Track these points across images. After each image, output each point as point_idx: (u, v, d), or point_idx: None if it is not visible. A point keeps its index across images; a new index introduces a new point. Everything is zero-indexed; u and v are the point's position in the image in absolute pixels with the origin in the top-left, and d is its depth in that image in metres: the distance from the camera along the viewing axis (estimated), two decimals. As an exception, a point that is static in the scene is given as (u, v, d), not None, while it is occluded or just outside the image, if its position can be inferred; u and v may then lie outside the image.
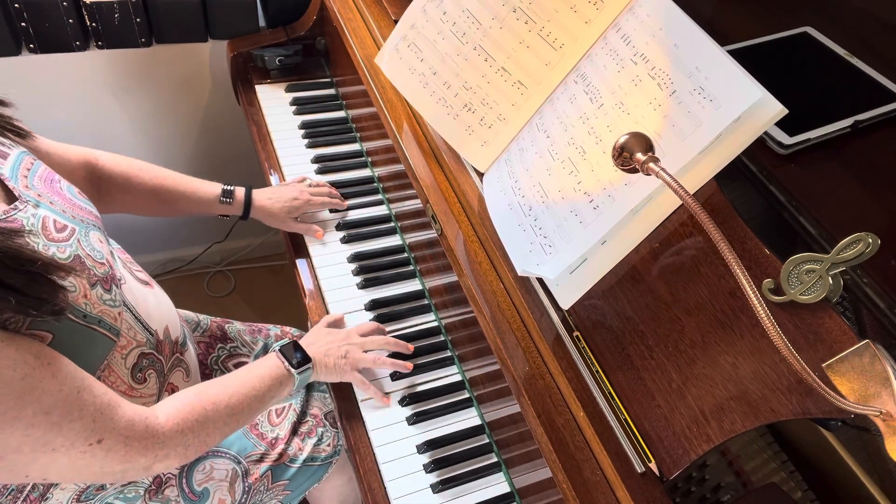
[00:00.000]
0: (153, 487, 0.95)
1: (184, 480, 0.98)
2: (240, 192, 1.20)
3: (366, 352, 1.03)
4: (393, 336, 1.10)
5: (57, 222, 0.77)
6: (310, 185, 1.27)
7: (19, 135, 0.85)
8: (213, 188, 1.18)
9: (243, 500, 1.01)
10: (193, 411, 0.82)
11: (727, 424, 0.69)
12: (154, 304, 0.91)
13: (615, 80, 0.82)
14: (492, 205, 0.96)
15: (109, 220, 1.00)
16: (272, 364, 0.94)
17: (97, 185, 1.07)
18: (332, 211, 1.28)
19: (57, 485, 0.86)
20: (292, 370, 0.95)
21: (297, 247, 1.25)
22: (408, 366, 1.06)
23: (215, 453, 1.01)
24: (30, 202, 0.75)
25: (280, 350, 0.97)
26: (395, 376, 1.06)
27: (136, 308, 0.85)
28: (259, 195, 1.22)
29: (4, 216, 0.71)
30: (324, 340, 1.02)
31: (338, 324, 1.11)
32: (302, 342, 1.01)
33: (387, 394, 1.04)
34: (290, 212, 1.22)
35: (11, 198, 0.75)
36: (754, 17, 1.10)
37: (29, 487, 0.85)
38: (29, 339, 0.67)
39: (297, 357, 0.96)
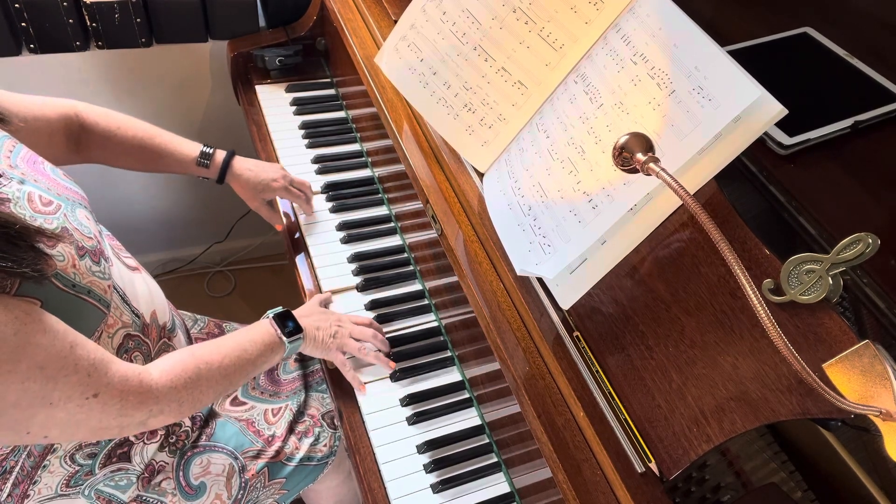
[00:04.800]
0: (146, 475, 0.95)
1: (180, 473, 0.98)
2: (220, 155, 1.17)
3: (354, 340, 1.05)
4: (393, 336, 1.10)
5: (42, 198, 0.77)
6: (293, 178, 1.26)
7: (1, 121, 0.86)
8: (193, 150, 1.16)
9: (240, 496, 1.02)
10: (187, 368, 0.84)
11: (727, 424, 0.69)
12: (142, 288, 0.92)
13: (615, 80, 0.82)
14: (491, 205, 0.96)
15: (108, 220, 1.01)
16: (265, 330, 0.96)
17: (76, 139, 1.05)
18: (334, 211, 1.29)
19: (45, 468, 0.86)
20: (284, 338, 0.97)
21: (298, 247, 1.25)
22: (391, 364, 1.06)
23: (212, 448, 1.01)
24: (14, 179, 0.76)
25: (273, 318, 0.99)
26: (395, 377, 1.06)
27: (122, 289, 0.86)
28: (240, 163, 1.19)
29: None
30: (317, 316, 1.05)
31: (327, 302, 1.14)
32: (295, 313, 1.02)
33: (365, 383, 1.05)
34: (262, 191, 1.21)
35: None
36: (754, 17, 1.10)
37: (18, 468, 0.85)
38: (17, 300, 0.67)
39: (290, 326, 0.99)
